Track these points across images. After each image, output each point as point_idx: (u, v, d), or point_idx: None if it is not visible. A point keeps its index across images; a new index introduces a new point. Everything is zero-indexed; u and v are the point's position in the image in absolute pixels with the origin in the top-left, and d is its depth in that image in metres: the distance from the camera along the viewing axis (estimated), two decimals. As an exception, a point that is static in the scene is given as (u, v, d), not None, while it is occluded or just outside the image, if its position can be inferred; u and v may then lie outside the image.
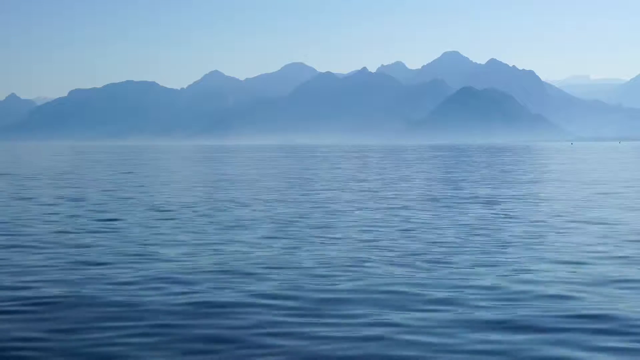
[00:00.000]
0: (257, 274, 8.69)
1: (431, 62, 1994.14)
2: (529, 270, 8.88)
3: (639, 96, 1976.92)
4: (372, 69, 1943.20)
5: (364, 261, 9.56)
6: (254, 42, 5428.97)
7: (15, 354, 5.56)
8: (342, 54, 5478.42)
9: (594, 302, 7.08)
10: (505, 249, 10.59)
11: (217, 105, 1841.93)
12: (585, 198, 20.61)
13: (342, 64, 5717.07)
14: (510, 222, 14.02)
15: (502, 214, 15.92)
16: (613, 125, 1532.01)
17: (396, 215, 15.70)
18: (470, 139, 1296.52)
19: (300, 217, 15.42)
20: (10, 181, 32.45)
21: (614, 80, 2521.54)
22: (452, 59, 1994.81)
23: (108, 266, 9.34)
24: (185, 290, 7.80)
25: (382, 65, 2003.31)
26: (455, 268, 8.98)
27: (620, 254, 10.25)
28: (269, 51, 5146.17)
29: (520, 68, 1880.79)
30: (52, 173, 41.75)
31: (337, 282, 8.15)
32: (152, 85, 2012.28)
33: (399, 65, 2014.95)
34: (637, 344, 5.70)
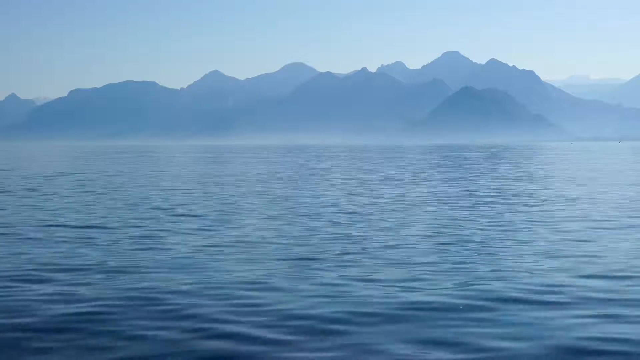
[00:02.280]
0: None
1: (431, 62, 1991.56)
2: None
3: (639, 96, 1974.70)
4: (372, 69, 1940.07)
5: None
6: (254, 42, 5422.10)
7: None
8: (342, 54, 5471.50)
9: None
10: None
11: (217, 105, 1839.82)
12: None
13: (342, 64, 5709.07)
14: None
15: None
16: (613, 125, 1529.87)
17: None
18: (471, 138, 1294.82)
19: None
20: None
21: (614, 80, 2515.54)
22: (452, 59, 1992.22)
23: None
24: None
25: (382, 65, 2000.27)
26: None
27: None
28: (269, 51, 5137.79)
29: (520, 68, 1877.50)
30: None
31: None
32: (152, 85, 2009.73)
33: (399, 65, 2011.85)
34: None
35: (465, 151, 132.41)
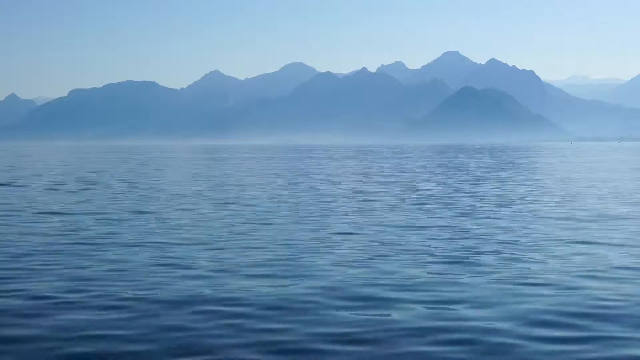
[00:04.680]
0: None
1: (431, 62, 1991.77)
2: None
3: (639, 96, 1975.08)
4: (372, 69, 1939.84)
5: None
6: (254, 42, 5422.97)
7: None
8: (342, 54, 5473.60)
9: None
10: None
11: (217, 105, 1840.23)
12: None
13: (342, 64, 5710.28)
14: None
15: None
16: (613, 125, 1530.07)
17: None
18: (470, 138, 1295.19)
19: None
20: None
21: (614, 80, 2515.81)
22: (452, 59, 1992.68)
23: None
24: None
25: (382, 65, 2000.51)
26: None
27: None
28: (269, 51, 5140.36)
29: (520, 68, 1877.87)
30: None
31: None
32: (152, 85, 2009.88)
33: (399, 65, 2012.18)
34: None
35: (459, 152, 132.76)
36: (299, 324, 8.50)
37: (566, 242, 14.69)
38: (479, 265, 12.17)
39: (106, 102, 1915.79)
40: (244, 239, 15.47)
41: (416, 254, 13.46)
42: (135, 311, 9.15)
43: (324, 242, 15.01)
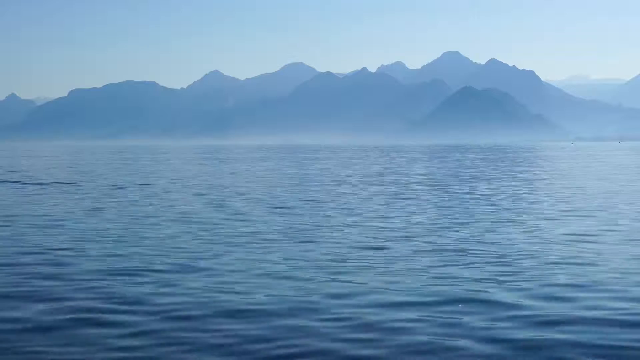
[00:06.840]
0: None
1: (431, 62, 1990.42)
2: None
3: (639, 96, 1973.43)
4: (372, 69, 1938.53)
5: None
6: (254, 42, 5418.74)
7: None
8: (342, 54, 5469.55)
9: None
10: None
11: (217, 105, 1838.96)
12: None
13: (342, 64, 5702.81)
14: None
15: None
16: (613, 125, 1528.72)
17: None
18: (471, 139, 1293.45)
19: None
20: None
21: (614, 80, 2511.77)
22: (452, 59, 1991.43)
23: None
24: None
25: (382, 65, 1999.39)
26: None
27: None
28: (269, 51, 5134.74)
29: (520, 68, 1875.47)
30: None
31: None
32: (152, 85, 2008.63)
33: (399, 65, 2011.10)
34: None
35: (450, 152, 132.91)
36: None
37: None
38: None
39: (106, 102, 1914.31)
40: None
41: None
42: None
43: None
